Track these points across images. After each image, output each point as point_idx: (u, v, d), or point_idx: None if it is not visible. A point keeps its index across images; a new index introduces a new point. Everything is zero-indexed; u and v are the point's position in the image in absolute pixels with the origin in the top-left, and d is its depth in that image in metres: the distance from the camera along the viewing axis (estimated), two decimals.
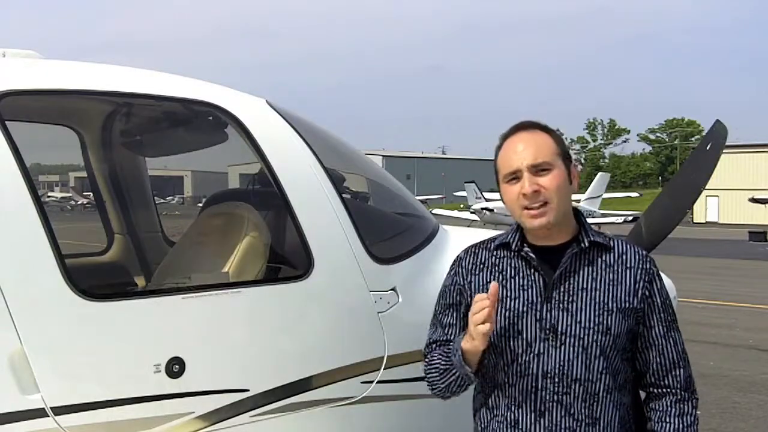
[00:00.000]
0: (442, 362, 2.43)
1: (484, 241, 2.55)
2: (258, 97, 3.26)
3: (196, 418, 2.65)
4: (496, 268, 2.43)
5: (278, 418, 2.83)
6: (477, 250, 2.52)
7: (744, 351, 10.93)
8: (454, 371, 2.37)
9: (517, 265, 2.41)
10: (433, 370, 2.47)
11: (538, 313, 2.33)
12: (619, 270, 2.37)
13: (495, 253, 2.47)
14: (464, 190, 47.75)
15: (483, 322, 2.19)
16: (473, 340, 2.24)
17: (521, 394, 2.33)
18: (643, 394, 2.51)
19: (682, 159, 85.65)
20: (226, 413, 2.71)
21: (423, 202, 15.26)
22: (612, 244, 2.42)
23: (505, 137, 2.43)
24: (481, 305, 2.20)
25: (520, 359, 2.33)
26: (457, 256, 2.57)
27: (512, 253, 2.43)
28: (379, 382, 3.10)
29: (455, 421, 2.93)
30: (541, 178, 2.31)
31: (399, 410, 3.18)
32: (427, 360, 2.51)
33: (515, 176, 2.34)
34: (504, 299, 2.37)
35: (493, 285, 2.24)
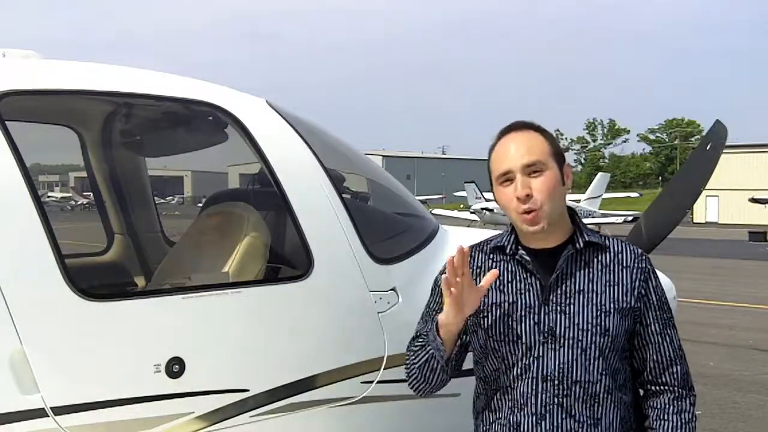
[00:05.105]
0: (420, 341, 2.43)
1: (480, 243, 2.54)
2: (258, 97, 3.26)
3: (196, 418, 2.65)
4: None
5: (278, 418, 2.83)
6: (473, 253, 2.50)
7: (744, 351, 10.93)
8: (428, 348, 2.36)
9: (513, 269, 2.40)
10: (410, 353, 2.47)
11: (536, 317, 2.33)
12: (616, 270, 2.37)
13: (491, 256, 2.47)
14: (464, 190, 47.78)
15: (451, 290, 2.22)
16: (447, 310, 2.27)
17: (522, 397, 2.33)
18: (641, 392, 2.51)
19: (682, 159, 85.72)
20: (226, 413, 2.71)
21: (423, 202, 15.26)
22: (608, 244, 2.42)
23: (498, 138, 2.42)
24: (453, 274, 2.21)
25: (520, 363, 2.33)
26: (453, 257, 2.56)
27: (507, 257, 2.42)
28: (379, 382, 3.10)
29: (455, 422, 2.93)
30: (533, 180, 2.30)
31: (399, 410, 3.18)
32: (408, 345, 2.52)
33: (508, 178, 2.33)
34: (502, 303, 2.37)
35: (494, 272, 2.28)
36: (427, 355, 2.38)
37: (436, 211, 43.30)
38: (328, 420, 2.99)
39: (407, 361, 2.49)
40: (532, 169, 2.31)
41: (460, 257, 2.20)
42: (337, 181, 3.20)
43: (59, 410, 2.40)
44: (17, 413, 2.34)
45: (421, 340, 2.44)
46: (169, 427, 2.60)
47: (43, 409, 2.38)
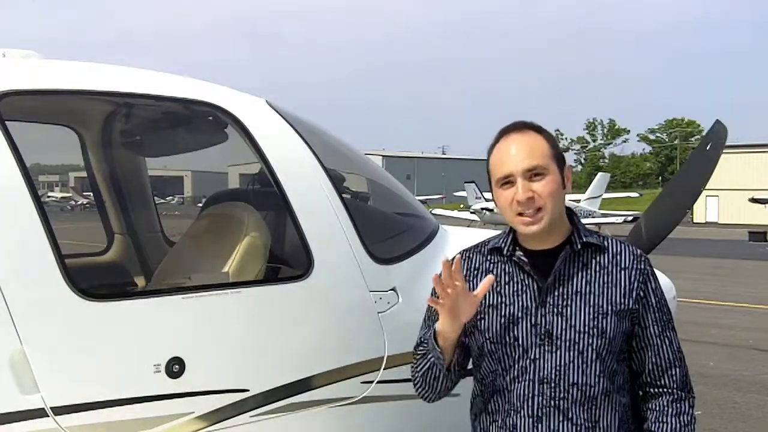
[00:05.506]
0: (422, 349, 2.43)
1: (478, 244, 2.53)
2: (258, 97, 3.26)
3: (196, 418, 2.65)
4: (491, 274, 2.41)
5: (278, 418, 2.83)
6: (471, 255, 2.50)
7: (744, 351, 10.94)
8: (429, 356, 2.36)
9: (510, 271, 2.39)
10: (414, 360, 2.47)
11: (533, 318, 2.32)
12: (614, 271, 2.36)
13: (489, 257, 2.46)
14: (464, 190, 47.76)
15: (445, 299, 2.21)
16: (442, 319, 2.26)
17: (518, 400, 2.32)
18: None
19: (682, 159, 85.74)
20: (226, 413, 2.71)
21: (423, 202, 15.26)
22: (606, 245, 2.40)
23: (497, 139, 2.39)
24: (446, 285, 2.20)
25: (517, 365, 2.32)
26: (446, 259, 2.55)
27: (505, 258, 2.41)
28: (379, 382, 3.10)
29: (455, 422, 2.92)
30: (534, 184, 2.28)
31: (399, 410, 3.18)
32: (413, 351, 2.51)
33: (508, 180, 2.31)
34: (499, 305, 2.36)
35: (489, 277, 2.26)
36: (428, 363, 2.37)
37: (436, 211, 43.29)
38: (328, 420, 2.99)
39: (412, 369, 2.48)
40: (533, 173, 2.29)
41: (456, 263, 2.19)
42: (337, 181, 3.20)
43: (59, 410, 2.40)
44: (17, 413, 2.34)
45: (422, 347, 2.43)
46: (169, 427, 2.60)
47: (43, 409, 2.38)
